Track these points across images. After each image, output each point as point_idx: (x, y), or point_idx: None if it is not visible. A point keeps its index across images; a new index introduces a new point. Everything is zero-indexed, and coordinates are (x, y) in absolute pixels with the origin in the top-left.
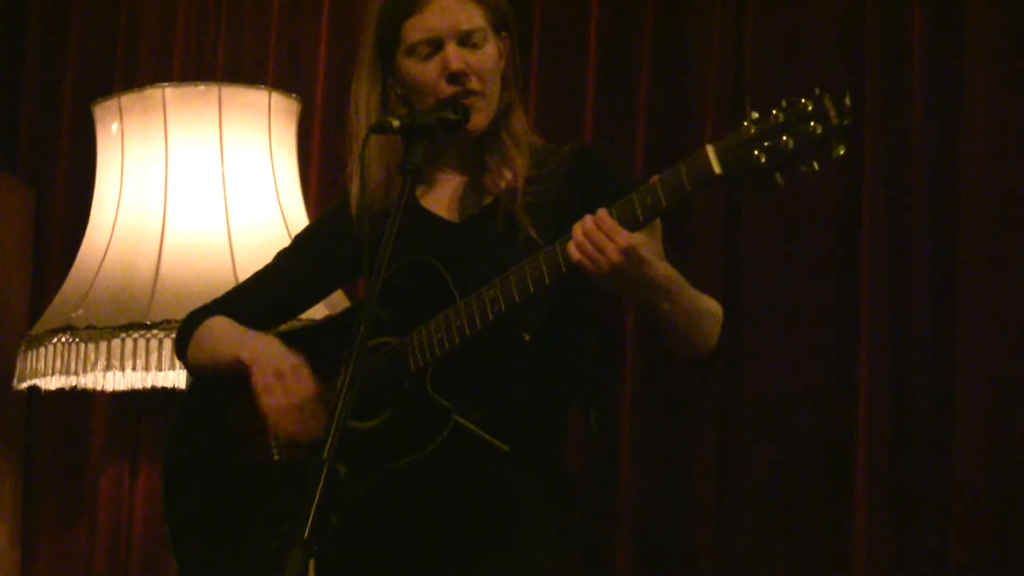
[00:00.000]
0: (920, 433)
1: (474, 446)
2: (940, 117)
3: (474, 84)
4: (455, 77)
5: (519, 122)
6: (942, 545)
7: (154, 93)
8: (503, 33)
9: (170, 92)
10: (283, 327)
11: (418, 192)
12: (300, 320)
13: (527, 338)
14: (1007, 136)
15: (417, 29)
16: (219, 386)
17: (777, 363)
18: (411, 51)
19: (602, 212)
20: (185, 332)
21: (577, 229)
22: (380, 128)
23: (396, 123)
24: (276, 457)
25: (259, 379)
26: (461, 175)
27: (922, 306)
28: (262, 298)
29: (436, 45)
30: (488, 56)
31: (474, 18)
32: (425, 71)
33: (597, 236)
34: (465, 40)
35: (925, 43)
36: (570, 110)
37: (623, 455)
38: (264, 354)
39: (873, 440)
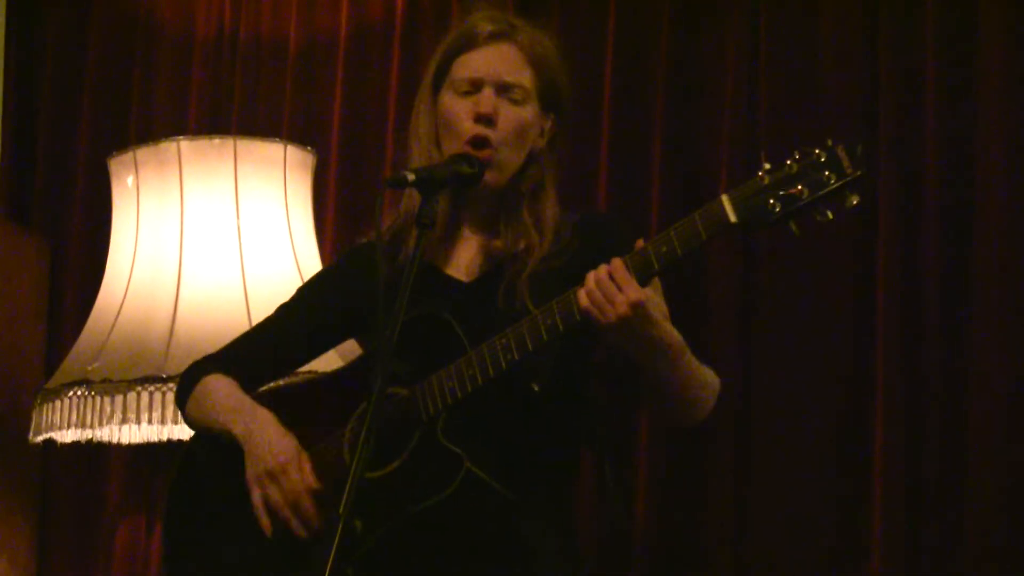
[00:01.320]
0: (934, 439)
1: (485, 493)
2: (953, 132)
3: (496, 135)
4: (481, 119)
5: (549, 206)
6: (957, 551)
7: (169, 146)
8: (551, 114)
9: (185, 145)
10: (295, 379)
11: (432, 246)
12: (312, 372)
13: (536, 388)
14: (1020, 151)
15: (465, 66)
16: (219, 442)
17: (792, 386)
18: (452, 85)
19: (616, 261)
20: (186, 385)
21: (590, 277)
22: (395, 182)
23: (412, 176)
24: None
25: (250, 473)
26: (476, 236)
27: (935, 309)
28: (263, 351)
29: (476, 86)
30: (521, 116)
31: (522, 77)
32: (457, 106)
33: (608, 286)
34: (504, 91)
35: (938, 74)
36: (584, 173)
37: (639, 499)
38: (258, 440)
39: (888, 461)
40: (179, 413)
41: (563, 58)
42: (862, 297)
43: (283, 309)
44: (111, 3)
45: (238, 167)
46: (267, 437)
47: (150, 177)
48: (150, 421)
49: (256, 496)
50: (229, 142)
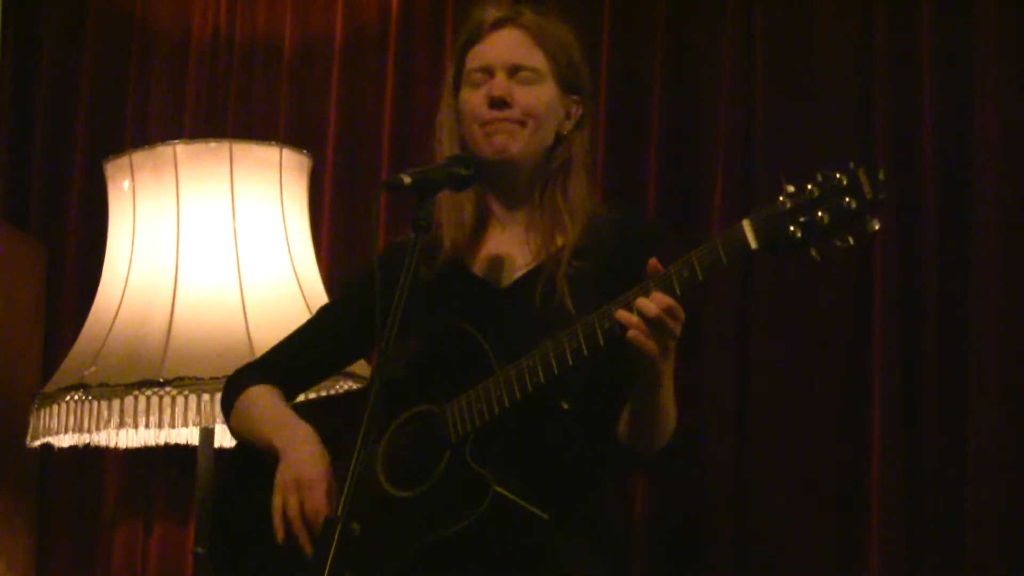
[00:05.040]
0: (933, 442)
1: (515, 514)
2: (949, 129)
3: (515, 113)
4: (495, 102)
5: (578, 188)
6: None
7: (165, 150)
8: (574, 96)
9: (181, 149)
10: (334, 393)
11: (464, 245)
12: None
13: (565, 406)
14: (1016, 149)
15: (475, 58)
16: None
17: (790, 384)
18: (467, 79)
19: (666, 298)
20: (230, 395)
21: (643, 308)
22: (391, 185)
23: (408, 179)
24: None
25: (279, 478)
26: (512, 232)
27: (933, 313)
28: (306, 356)
29: (489, 73)
30: (537, 95)
31: (531, 57)
32: (472, 97)
33: (667, 320)
34: (515, 72)
35: (934, 74)
36: None
37: (637, 499)
38: (295, 454)
39: (886, 461)
40: (189, 418)
41: (578, 39)
42: (861, 297)
43: (324, 311)
44: (107, 6)
45: (234, 170)
46: (305, 451)
47: (146, 180)
48: (147, 425)
49: (277, 501)
50: (225, 145)
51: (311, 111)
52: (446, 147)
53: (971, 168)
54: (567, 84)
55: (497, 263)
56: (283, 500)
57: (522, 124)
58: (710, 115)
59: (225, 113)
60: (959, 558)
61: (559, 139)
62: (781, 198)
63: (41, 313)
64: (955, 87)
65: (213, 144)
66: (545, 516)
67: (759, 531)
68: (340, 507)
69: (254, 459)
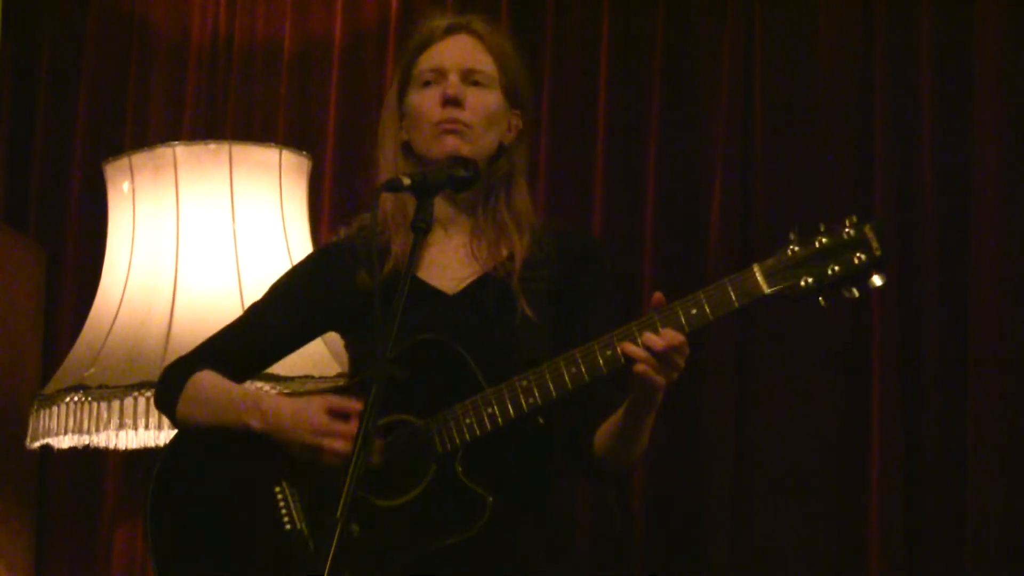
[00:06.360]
0: (933, 439)
1: (509, 528)
2: (948, 143)
3: (466, 116)
4: (448, 100)
5: (521, 199)
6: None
7: (165, 151)
8: (517, 110)
9: (181, 150)
10: (298, 391)
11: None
12: (319, 380)
13: (541, 422)
14: (1016, 148)
15: (428, 61)
16: (207, 443)
17: (789, 405)
18: (417, 81)
19: (672, 333)
20: (171, 387)
21: (651, 343)
22: (391, 186)
23: (408, 181)
24: (288, 528)
25: (298, 451)
26: (456, 239)
27: (933, 324)
28: (239, 348)
29: (441, 74)
30: (487, 99)
31: (484, 63)
32: (424, 97)
33: (677, 359)
34: (468, 76)
35: (933, 81)
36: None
37: (635, 500)
38: (283, 422)
39: (886, 460)
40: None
41: (521, 54)
42: (860, 297)
43: (255, 308)
44: (107, 9)
45: (233, 172)
46: (287, 414)
47: (146, 182)
48: (147, 426)
49: (325, 459)
50: (224, 147)
51: (311, 113)
52: (389, 152)
53: (971, 168)
54: (511, 96)
55: (444, 270)
56: (325, 454)
57: (469, 127)
58: (710, 118)
59: (224, 114)
60: (959, 558)
61: (501, 150)
62: (791, 248)
63: (40, 315)
64: (955, 86)
65: (213, 145)
66: (540, 530)
67: (758, 531)
68: (340, 509)
69: (191, 462)
